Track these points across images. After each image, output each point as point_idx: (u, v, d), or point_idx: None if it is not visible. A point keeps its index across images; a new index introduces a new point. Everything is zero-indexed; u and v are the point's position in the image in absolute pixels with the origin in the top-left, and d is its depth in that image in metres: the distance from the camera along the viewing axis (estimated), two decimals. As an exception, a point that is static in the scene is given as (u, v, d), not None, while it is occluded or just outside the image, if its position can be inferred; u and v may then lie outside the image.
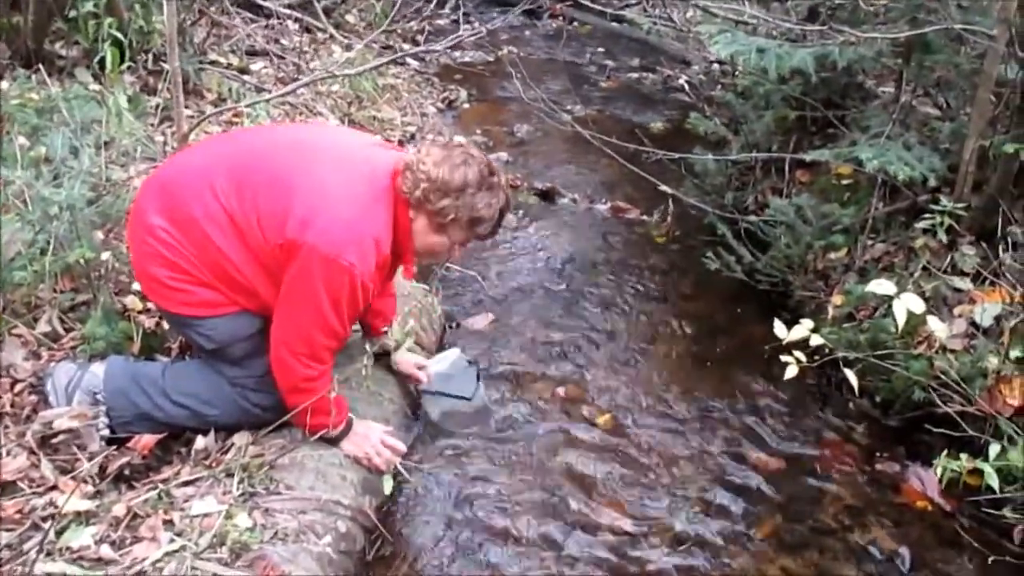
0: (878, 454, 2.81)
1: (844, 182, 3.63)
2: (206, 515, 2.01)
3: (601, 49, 7.04)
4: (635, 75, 6.44)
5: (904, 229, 3.24)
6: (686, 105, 5.62)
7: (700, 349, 3.32)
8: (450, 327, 3.31)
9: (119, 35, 3.91)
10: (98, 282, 2.54)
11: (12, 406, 2.24)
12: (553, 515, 2.48)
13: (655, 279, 3.77)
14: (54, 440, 2.15)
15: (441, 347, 3.18)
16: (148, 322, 2.74)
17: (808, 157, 3.05)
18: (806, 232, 3.33)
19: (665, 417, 2.93)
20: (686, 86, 6.05)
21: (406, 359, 2.67)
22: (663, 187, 3.60)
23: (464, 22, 7.55)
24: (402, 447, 2.38)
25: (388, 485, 2.09)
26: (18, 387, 2.30)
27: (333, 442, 2.30)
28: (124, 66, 3.97)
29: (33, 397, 2.28)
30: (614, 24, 7.70)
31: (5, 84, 3.65)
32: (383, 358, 2.65)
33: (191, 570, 1.87)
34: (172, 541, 1.93)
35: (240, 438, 2.29)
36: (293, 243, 2.04)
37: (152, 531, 1.96)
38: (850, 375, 2.50)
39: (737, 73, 4.11)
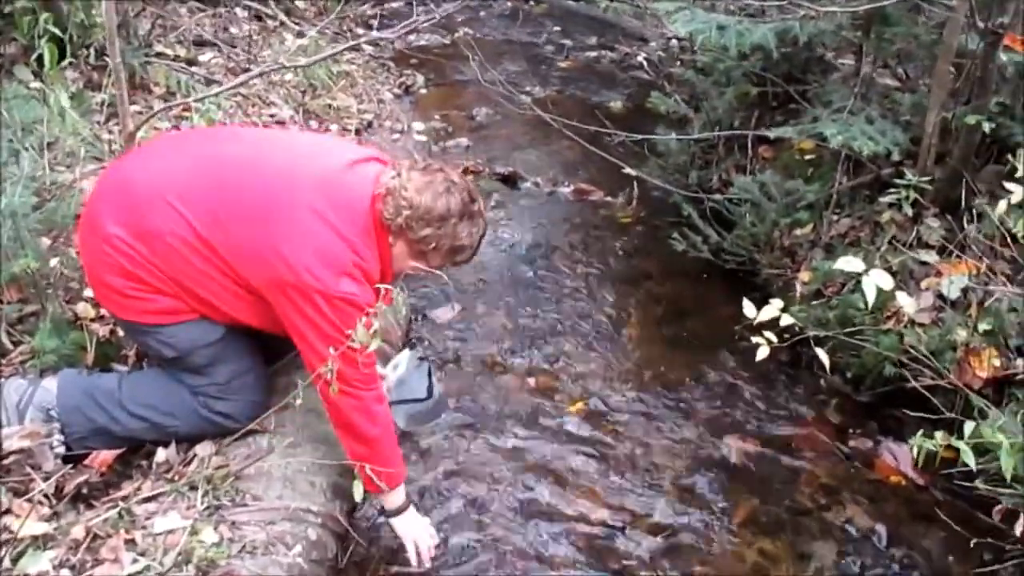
0: (851, 430, 2.82)
1: (807, 157, 3.61)
2: (170, 532, 1.94)
3: (558, 28, 6.95)
4: (593, 54, 6.37)
5: (869, 203, 3.23)
6: (645, 83, 5.58)
7: (670, 331, 3.30)
8: (415, 320, 3.25)
9: (57, 31, 3.75)
10: (46, 291, 2.43)
11: (-41, 427, 2.14)
12: (528, 510, 2.45)
13: (621, 261, 3.73)
14: (6, 461, 2.06)
15: (408, 341, 3.12)
16: (102, 330, 2.63)
17: (772, 134, 3.03)
18: (771, 209, 3.31)
19: (638, 403, 2.90)
20: (644, 64, 6.00)
21: None
22: (627, 169, 3.55)
23: (418, 3, 7.49)
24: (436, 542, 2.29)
25: (359, 492, 2.03)
26: (-35, 406, 2.19)
27: (392, 513, 2.21)
28: (66, 62, 3.81)
29: (-17, 417, 2.17)
30: (570, 2, 7.63)
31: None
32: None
33: (157, 591, 1.80)
34: (135, 561, 1.86)
35: (203, 448, 2.21)
36: (288, 285, 1.97)
37: (114, 552, 1.88)
38: (821, 353, 2.47)
39: (696, 50, 4.05)
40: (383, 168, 2.16)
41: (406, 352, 2.69)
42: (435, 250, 2.11)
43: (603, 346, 3.18)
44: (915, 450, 1.98)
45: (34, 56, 3.73)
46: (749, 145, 3.81)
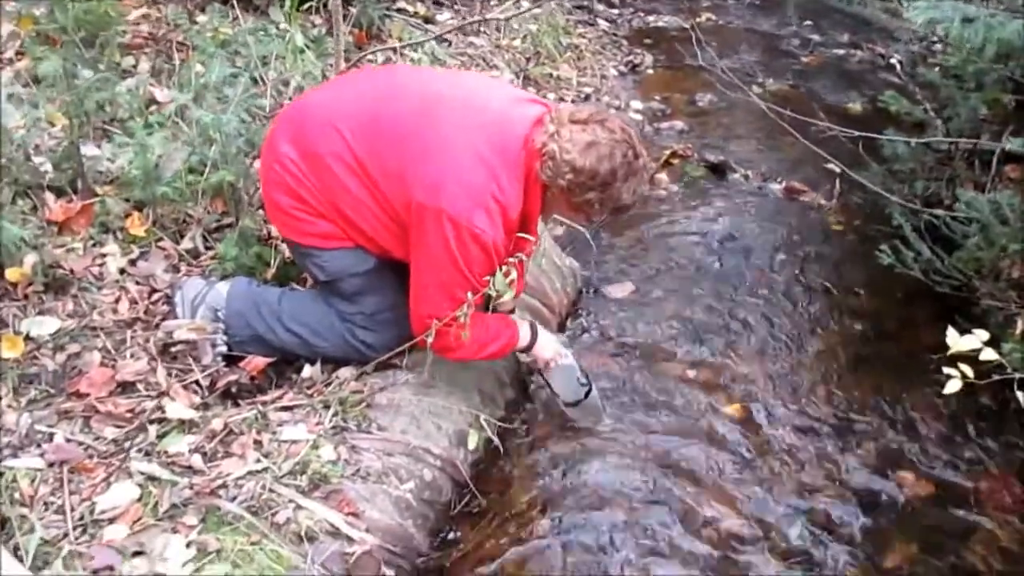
0: (1053, 494, 2.42)
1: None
2: (294, 442, 2.03)
3: (809, 22, 6.52)
4: (840, 51, 5.91)
5: None
6: (895, 87, 5.09)
7: (858, 350, 2.99)
8: (586, 293, 3.18)
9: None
10: (240, 205, 2.61)
11: (145, 313, 2.36)
12: (656, 502, 2.32)
13: (821, 268, 3.44)
14: (173, 349, 2.24)
15: (575, 313, 3.07)
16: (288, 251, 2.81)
17: (1008, 146, 2.62)
18: (1003, 234, 2.89)
19: (802, 416, 2.66)
20: (898, 66, 5.49)
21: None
22: (832, 163, 3.22)
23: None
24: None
25: (473, 440, 2.02)
26: (155, 296, 2.42)
27: (528, 349, 2.36)
28: (309, 5, 4.08)
29: (165, 307, 2.38)
30: (828, -5, 7.13)
31: (202, 18, 3.86)
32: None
33: (268, 492, 1.88)
34: (258, 461, 1.96)
35: (345, 372, 2.29)
36: (422, 206, 2.00)
37: (242, 448, 2.00)
38: (1021, 397, 2.14)
39: (947, 50, 3.61)
40: (542, 111, 2.10)
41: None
42: (598, 211, 2.05)
43: (780, 352, 2.94)
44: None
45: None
46: (994, 161, 3.35)
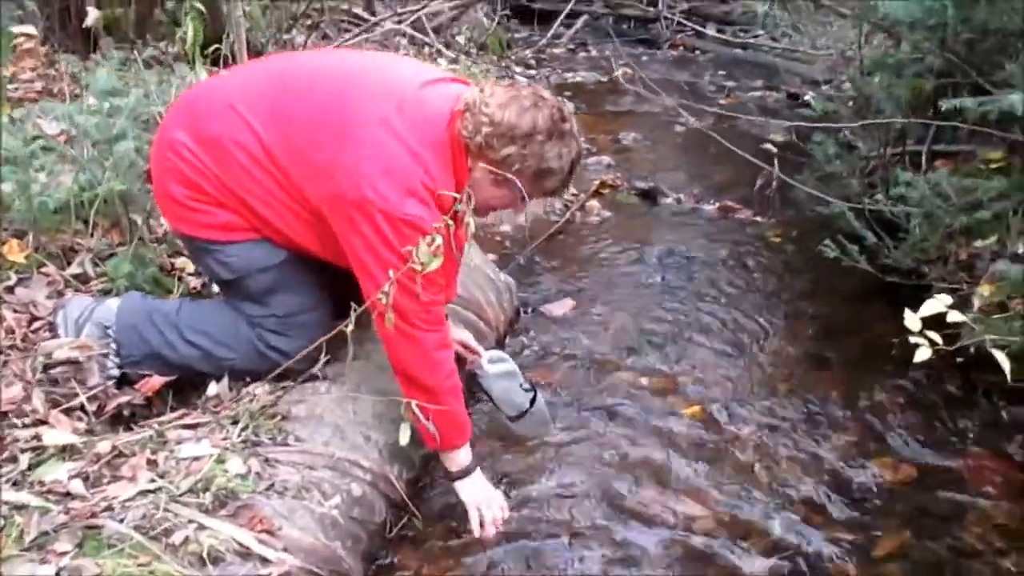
0: (1040, 468, 2.25)
1: (993, 167, 3.08)
2: (195, 458, 1.73)
3: (722, 72, 6.66)
4: (757, 93, 6.02)
5: (1073, 210, 2.67)
6: (812, 120, 5.15)
7: (815, 348, 2.83)
8: (524, 312, 2.97)
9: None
10: (132, 228, 2.36)
11: (23, 340, 2.05)
12: (620, 507, 2.08)
13: (766, 277, 3.31)
14: (54, 372, 1.94)
15: (513, 332, 2.84)
16: (196, 282, 2.55)
17: (944, 105, 2.55)
18: (944, 215, 2.81)
19: (767, 413, 2.46)
20: (812, 101, 5.56)
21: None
22: (765, 167, 3.14)
23: (579, 45, 7.46)
24: (501, 526, 1.99)
25: (405, 435, 1.75)
26: (35, 324, 2.11)
27: (456, 476, 1.98)
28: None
29: (48, 335, 2.08)
30: (738, 51, 7.34)
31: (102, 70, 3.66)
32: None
33: (163, 512, 1.57)
34: (152, 481, 1.65)
35: (258, 388, 2.01)
36: (346, 200, 1.77)
37: (133, 470, 1.69)
38: (999, 356, 1.98)
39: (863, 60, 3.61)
40: (464, 88, 1.94)
41: (496, 353, 2.38)
42: (519, 173, 1.84)
43: (734, 356, 2.76)
44: None
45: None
46: (923, 156, 3.32)
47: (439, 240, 1.68)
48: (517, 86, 1.89)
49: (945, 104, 2.52)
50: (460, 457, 1.95)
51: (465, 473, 1.95)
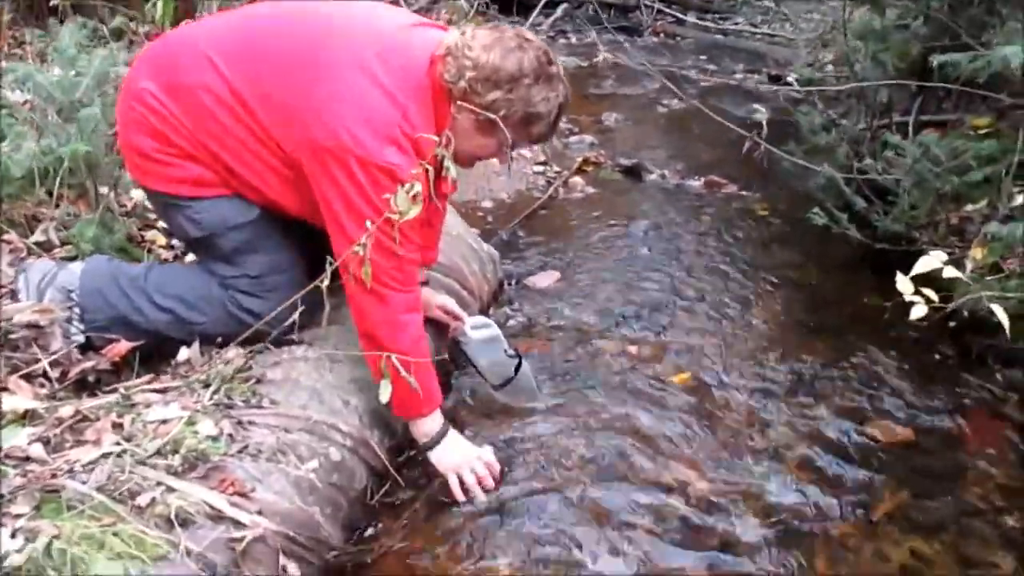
0: (1043, 427, 2.20)
1: (982, 132, 3.04)
2: (163, 421, 1.64)
3: (704, 57, 6.61)
4: (739, 76, 5.97)
5: (1063, 171, 2.63)
6: (794, 100, 5.11)
7: (805, 316, 2.77)
8: (509, 285, 2.89)
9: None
10: (98, 190, 2.26)
11: (-18, 308, 1.95)
12: (611, 474, 1.99)
13: (754, 249, 3.25)
14: (13, 336, 1.83)
15: (498, 303, 2.77)
16: (167, 254, 2.46)
17: (935, 61, 2.49)
18: (934, 180, 2.76)
19: (759, 379, 2.40)
20: (795, 83, 5.53)
21: (430, 298, 2.22)
22: (751, 138, 3.06)
23: (559, 33, 7.39)
24: (490, 483, 1.91)
25: (385, 393, 1.67)
26: (-3, 292, 2.01)
27: (427, 446, 1.89)
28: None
29: (9, 301, 1.98)
30: (719, 37, 7.31)
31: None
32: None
33: (129, 474, 1.48)
34: (117, 444, 1.56)
35: (230, 351, 1.92)
36: (322, 148, 1.68)
37: (97, 434, 1.59)
38: (998, 311, 1.94)
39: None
40: (445, 33, 1.86)
41: (480, 319, 2.30)
42: (505, 119, 1.76)
43: (723, 325, 2.69)
44: None
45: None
46: (911, 127, 3.28)
47: (418, 187, 1.59)
48: (500, 27, 1.81)
49: (936, 60, 2.46)
50: (427, 425, 1.86)
51: (435, 442, 1.87)
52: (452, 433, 1.91)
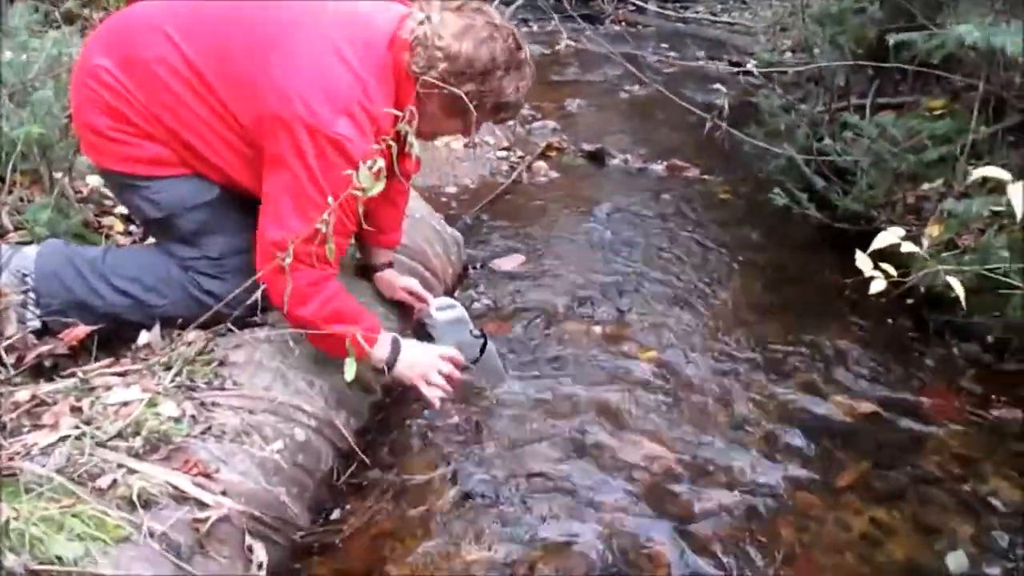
0: (995, 399, 2.25)
1: (937, 114, 3.10)
2: (124, 403, 1.61)
3: (665, 45, 6.64)
4: (700, 63, 6.01)
5: (1015, 149, 2.69)
6: (756, 86, 5.16)
7: (767, 295, 2.81)
8: (474, 268, 2.88)
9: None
10: (52, 175, 2.21)
11: (-67, 294, 1.89)
12: (577, 451, 2.01)
13: (716, 231, 3.27)
14: (-36, 322, 1.79)
15: (463, 286, 2.76)
16: (125, 241, 2.41)
17: (891, 40, 2.54)
18: (892, 159, 2.81)
19: (723, 358, 2.42)
20: (755, 70, 5.58)
21: (394, 279, 2.24)
22: (711, 119, 3.09)
23: (521, 23, 7.37)
24: (457, 375, 1.97)
25: (351, 371, 1.65)
26: (-53, 279, 1.96)
27: (390, 365, 1.89)
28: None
29: (-41, 290, 1.93)
30: (680, 25, 7.35)
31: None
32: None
33: (88, 456, 1.46)
34: (76, 428, 1.53)
35: (192, 333, 1.89)
36: (275, 117, 1.66)
37: (55, 417, 1.56)
38: (955, 284, 1.97)
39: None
40: (408, 10, 1.84)
41: (445, 299, 2.29)
42: (477, 107, 1.76)
43: (687, 305, 2.71)
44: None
45: None
46: (868, 109, 3.33)
47: (381, 163, 1.58)
48: (467, 9, 1.79)
49: (893, 39, 2.50)
50: (378, 352, 1.87)
51: (393, 360, 1.88)
52: (404, 344, 1.91)
